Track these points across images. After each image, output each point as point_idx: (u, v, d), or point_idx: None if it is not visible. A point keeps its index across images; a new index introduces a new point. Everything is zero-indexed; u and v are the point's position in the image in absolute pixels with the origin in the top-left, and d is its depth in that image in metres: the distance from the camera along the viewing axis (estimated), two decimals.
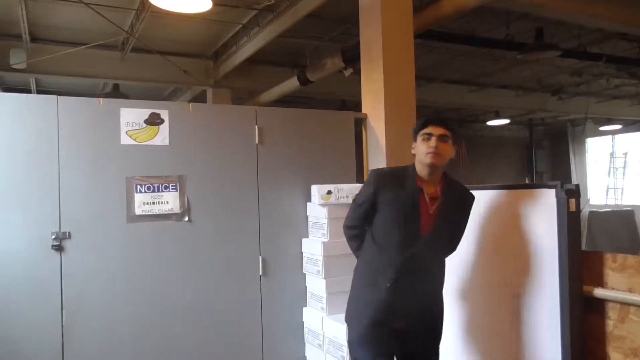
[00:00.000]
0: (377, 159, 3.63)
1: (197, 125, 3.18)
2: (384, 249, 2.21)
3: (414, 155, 2.25)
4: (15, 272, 2.71)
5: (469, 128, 13.76)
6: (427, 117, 2.24)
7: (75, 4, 5.05)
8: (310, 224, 3.39)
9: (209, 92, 7.82)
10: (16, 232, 2.73)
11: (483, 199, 2.62)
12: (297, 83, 6.64)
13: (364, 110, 3.77)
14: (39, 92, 8.38)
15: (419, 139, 2.21)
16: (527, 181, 13.64)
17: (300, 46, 6.74)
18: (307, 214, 3.41)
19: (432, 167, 2.17)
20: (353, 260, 2.43)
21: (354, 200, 2.39)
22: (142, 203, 2.99)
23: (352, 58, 5.29)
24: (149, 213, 3.00)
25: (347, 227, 2.41)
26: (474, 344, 2.72)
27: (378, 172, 2.36)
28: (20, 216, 2.74)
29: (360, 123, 3.75)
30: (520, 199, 2.46)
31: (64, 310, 2.80)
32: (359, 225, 2.35)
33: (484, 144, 14.17)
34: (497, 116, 12.03)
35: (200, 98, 8.36)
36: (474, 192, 2.39)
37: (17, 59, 6.26)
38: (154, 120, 3.06)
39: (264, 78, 7.63)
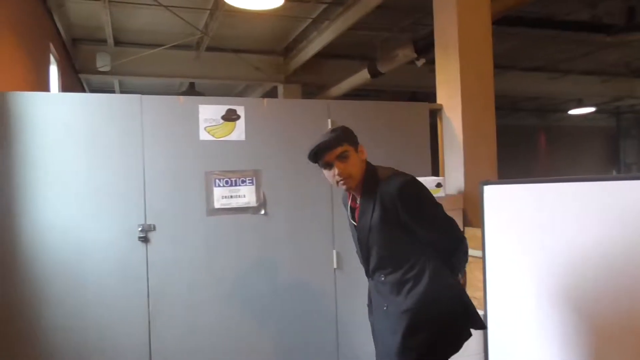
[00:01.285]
0: (453, 151, 3.51)
1: (271, 120, 3.23)
2: None
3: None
4: (106, 262, 2.89)
5: (547, 118, 13.02)
6: (312, 147, 1.93)
7: (154, 7, 5.29)
8: None
9: (280, 88, 7.94)
10: (107, 225, 2.90)
11: (566, 192, 2.44)
12: (367, 76, 6.57)
13: (438, 101, 3.66)
14: (121, 93, 8.91)
15: (321, 169, 1.99)
16: (614, 173, 12.71)
17: (370, 38, 6.66)
18: None
19: (349, 190, 2.03)
20: None
21: None
22: (221, 197, 3.08)
23: (425, 48, 5.17)
24: (227, 206, 3.09)
25: None
26: (576, 351, 2.55)
27: (342, 195, 2.26)
28: (110, 210, 2.91)
29: (435, 114, 3.64)
30: (614, 193, 2.26)
31: (150, 297, 2.96)
32: None
33: (563, 134, 13.36)
34: (580, 104, 11.28)
35: (271, 94, 8.51)
36: (557, 184, 2.19)
37: (103, 62, 6.68)
38: (230, 116, 3.14)
39: (333, 72, 7.62)
